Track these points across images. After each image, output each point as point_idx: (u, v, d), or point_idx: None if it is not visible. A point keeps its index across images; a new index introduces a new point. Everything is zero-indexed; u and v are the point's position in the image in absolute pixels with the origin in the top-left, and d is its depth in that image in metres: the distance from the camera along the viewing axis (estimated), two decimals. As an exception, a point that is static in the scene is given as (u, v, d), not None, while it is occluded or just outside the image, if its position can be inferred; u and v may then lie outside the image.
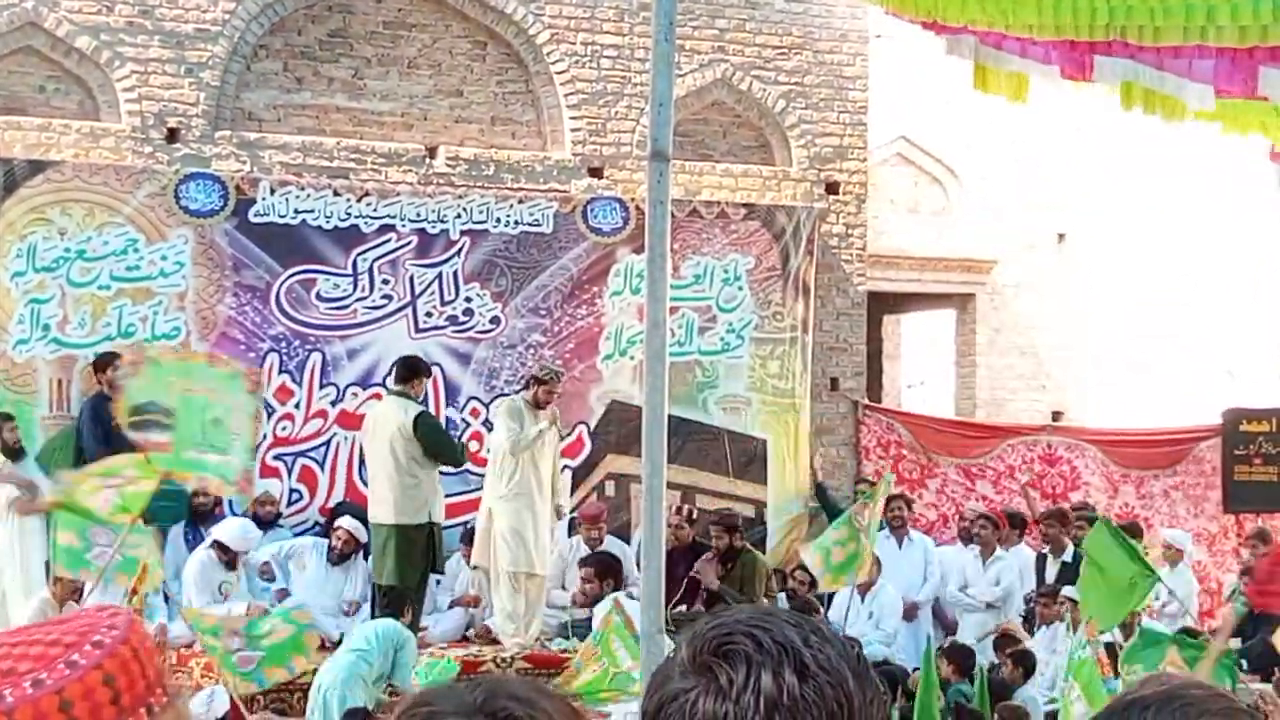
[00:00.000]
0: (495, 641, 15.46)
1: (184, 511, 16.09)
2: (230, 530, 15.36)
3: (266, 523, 16.27)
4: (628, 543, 16.88)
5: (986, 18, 6.82)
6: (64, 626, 2.41)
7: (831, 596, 17.04)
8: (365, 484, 16.04)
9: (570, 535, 16.96)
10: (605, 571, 15.45)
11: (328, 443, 17.15)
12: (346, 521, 15.86)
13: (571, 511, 17.32)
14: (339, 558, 15.81)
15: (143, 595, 12.18)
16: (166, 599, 15.29)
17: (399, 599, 14.45)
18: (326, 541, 16.00)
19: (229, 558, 15.28)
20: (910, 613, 16.98)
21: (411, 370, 15.52)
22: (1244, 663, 16.12)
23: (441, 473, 15.48)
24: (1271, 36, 6.21)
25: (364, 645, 13.26)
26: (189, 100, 17.04)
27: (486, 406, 17.26)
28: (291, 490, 17.00)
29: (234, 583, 15.07)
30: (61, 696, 2.29)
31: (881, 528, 17.76)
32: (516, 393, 16.43)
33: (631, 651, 12.08)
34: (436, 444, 15.24)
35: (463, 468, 16.23)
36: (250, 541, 15.56)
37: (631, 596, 15.07)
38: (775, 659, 2.22)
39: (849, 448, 19.56)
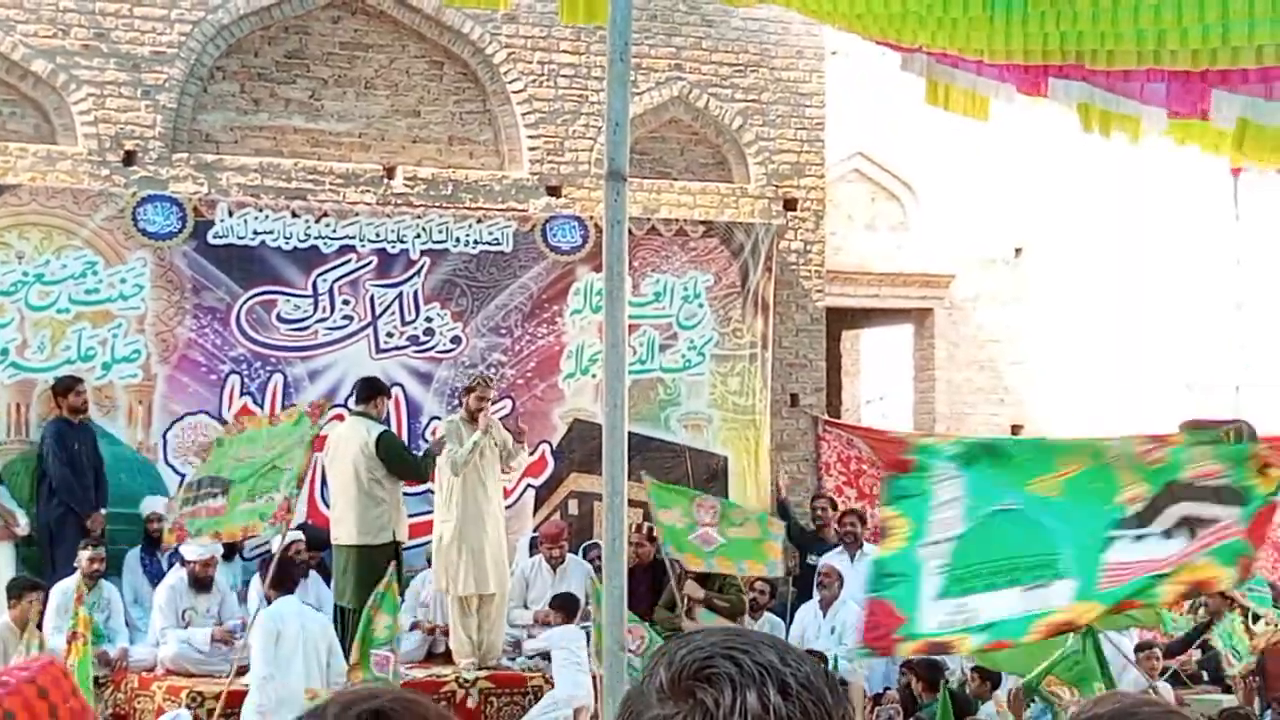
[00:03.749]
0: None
1: (139, 537, 16.06)
2: (194, 546, 15.30)
3: (228, 551, 15.99)
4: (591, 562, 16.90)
5: (939, 41, 6.87)
6: None
7: (794, 612, 17.08)
8: (328, 505, 16.01)
9: (531, 554, 16.93)
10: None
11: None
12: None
13: (534, 531, 17.34)
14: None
15: (82, 644, 12.18)
16: (128, 623, 15.23)
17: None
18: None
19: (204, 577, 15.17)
20: (866, 628, 16.98)
21: (372, 390, 15.51)
22: (1204, 674, 16.22)
23: (405, 493, 15.48)
24: (1221, 60, 6.27)
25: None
26: (145, 123, 17.02)
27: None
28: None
29: (198, 609, 14.98)
30: None
31: (836, 544, 17.85)
32: (451, 411, 16.49)
33: None
34: (401, 462, 15.24)
35: (425, 487, 16.22)
36: (206, 552, 15.35)
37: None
38: (758, 680, 2.21)
39: (809, 463, 19.60)
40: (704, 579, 16.34)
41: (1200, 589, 7.69)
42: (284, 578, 13.84)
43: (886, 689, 15.53)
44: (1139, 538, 7.16)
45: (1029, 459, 7.71)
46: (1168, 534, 7.21)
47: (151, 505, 16.10)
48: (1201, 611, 16.98)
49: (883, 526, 7.34)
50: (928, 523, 7.19)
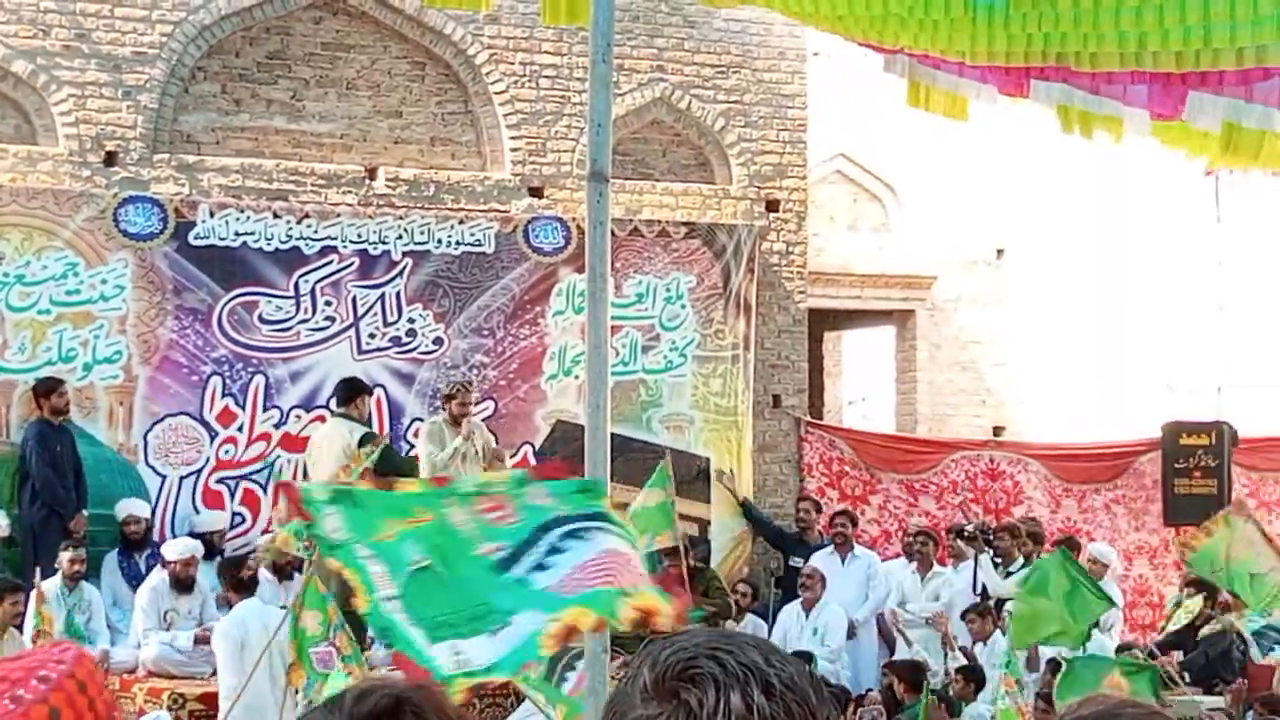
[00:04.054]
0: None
1: (116, 539, 16.02)
2: (175, 546, 15.31)
3: (208, 553, 15.99)
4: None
5: (921, 43, 6.87)
6: (13, 664, 2.40)
7: (776, 613, 17.10)
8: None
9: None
10: None
11: (271, 465, 17.09)
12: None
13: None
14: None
15: (47, 643, 12.17)
16: (109, 625, 15.20)
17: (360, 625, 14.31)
18: None
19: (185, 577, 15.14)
20: (850, 631, 17.02)
21: (353, 391, 15.52)
22: (1186, 675, 16.26)
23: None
24: (1203, 62, 6.27)
25: None
26: (127, 123, 16.98)
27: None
28: (234, 514, 16.93)
29: (179, 610, 14.94)
30: None
31: (826, 544, 17.91)
32: (433, 413, 16.44)
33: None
34: (387, 463, 15.22)
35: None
36: (187, 552, 15.32)
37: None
38: (742, 680, 2.22)
39: (791, 465, 19.59)
40: (690, 581, 16.27)
41: (571, 636, 6.79)
42: (243, 579, 13.73)
43: (869, 690, 15.56)
44: (519, 584, 6.74)
45: (384, 505, 7.32)
46: (541, 567, 6.72)
47: (128, 508, 16.06)
48: (1180, 613, 17.05)
49: (346, 581, 7.09)
50: (370, 575, 6.96)
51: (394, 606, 6.71)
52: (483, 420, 16.52)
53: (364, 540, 6.89)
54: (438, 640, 6.64)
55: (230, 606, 13.57)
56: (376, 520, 6.98)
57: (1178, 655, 16.71)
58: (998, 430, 21.90)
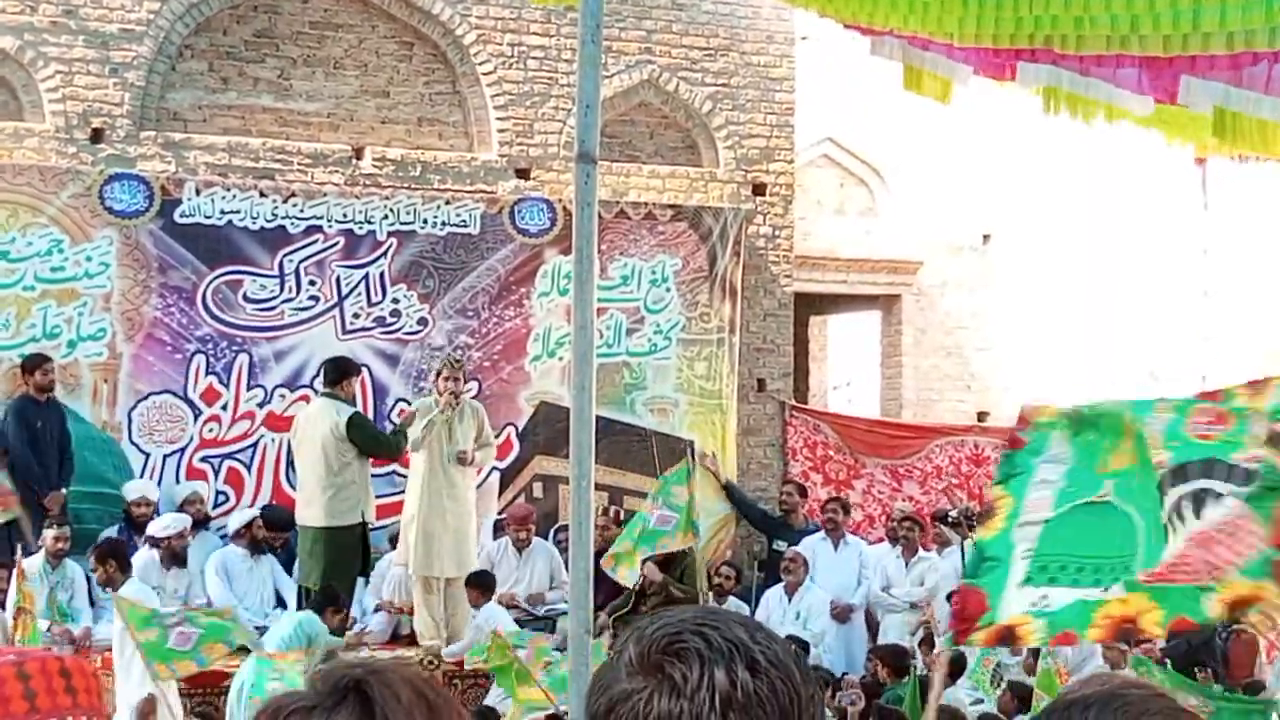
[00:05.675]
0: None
1: (107, 515, 16.00)
2: (163, 522, 15.32)
3: (195, 524, 16.10)
4: (554, 543, 16.90)
5: (911, 25, 6.86)
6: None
7: (759, 596, 17.12)
8: (293, 486, 16.01)
9: (496, 537, 16.91)
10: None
11: (255, 445, 17.08)
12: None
13: (499, 514, 17.33)
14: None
15: (28, 621, 12.17)
16: (93, 602, 15.17)
17: (331, 597, 14.28)
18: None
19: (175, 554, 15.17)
20: (844, 615, 17.04)
21: (341, 371, 15.48)
22: (1168, 662, 16.30)
23: (372, 474, 15.47)
24: (1192, 46, 6.27)
25: (280, 643, 13.22)
26: (113, 100, 16.94)
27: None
28: (218, 492, 16.92)
29: (165, 589, 14.90)
30: None
31: (811, 528, 17.93)
32: (419, 393, 16.47)
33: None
34: (373, 442, 15.27)
35: (391, 469, 16.24)
36: (178, 525, 15.35)
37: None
38: (727, 656, 2.23)
39: (775, 449, 19.60)
40: (665, 565, 16.25)
41: (1243, 606, 6.70)
42: (124, 558, 13.69)
43: (844, 674, 15.55)
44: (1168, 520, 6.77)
45: (1111, 429, 7.25)
46: (1174, 517, 6.75)
47: (139, 489, 16.07)
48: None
49: (990, 507, 7.17)
50: (1025, 501, 6.98)
51: (1025, 534, 6.74)
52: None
53: (1091, 464, 6.92)
54: (1032, 582, 6.68)
55: (115, 588, 13.30)
56: (1102, 450, 6.98)
57: (1159, 643, 16.74)
58: (982, 416, 21.91)
